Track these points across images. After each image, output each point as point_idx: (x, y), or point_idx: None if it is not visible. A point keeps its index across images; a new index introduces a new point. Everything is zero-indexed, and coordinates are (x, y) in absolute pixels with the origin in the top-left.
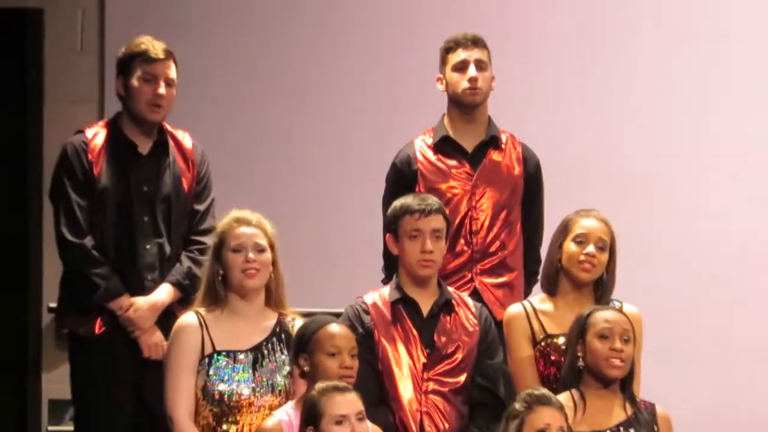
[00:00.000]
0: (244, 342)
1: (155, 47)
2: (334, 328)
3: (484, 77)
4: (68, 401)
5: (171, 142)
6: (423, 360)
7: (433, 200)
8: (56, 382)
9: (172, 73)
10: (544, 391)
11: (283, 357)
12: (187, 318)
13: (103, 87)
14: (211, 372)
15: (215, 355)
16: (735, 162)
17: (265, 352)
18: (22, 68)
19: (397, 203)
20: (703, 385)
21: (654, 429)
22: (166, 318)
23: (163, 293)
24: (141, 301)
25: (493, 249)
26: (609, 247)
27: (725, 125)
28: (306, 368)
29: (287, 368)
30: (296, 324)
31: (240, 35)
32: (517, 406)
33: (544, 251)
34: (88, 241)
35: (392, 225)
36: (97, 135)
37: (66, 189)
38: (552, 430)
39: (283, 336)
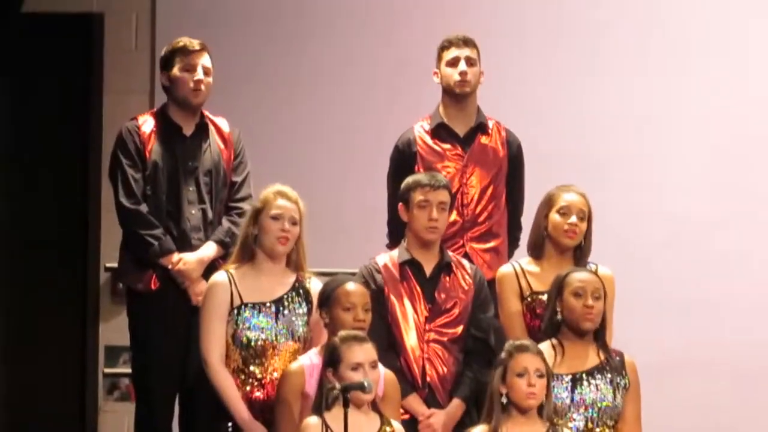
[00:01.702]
0: (268, 295)
1: (191, 42)
2: (350, 286)
3: (473, 72)
4: (122, 347)
5: (211, 126)
6: (425, 314)
7: (441, 177)
8: (112, 331)
9: (208, 62)
10: (523, 341)
11: (302, 309)
12: (219, 276)
13: (154, 81)
14: (239, 321)
15: (243, 307)
16: (699, 135)
17: (286, 303)
18: (85, 65)
19: (410, 178)
20: (666, 335)
21: (623, 373)
22: (212, 272)
23: (208, 249)
24: (189, 257)
25: (481, 219)
26: (587, 216)
27: (698, 100)
28: (326, 320)
29: (305, 318)
30: (312, 282)
31: (269, 31)
32: (502, 355)
33: (524, 220)
34: (143, 207)
35: (404, 196)
36: (146, 122)
37: (122, 165)
38: (530, 372)
39: (301, 291)
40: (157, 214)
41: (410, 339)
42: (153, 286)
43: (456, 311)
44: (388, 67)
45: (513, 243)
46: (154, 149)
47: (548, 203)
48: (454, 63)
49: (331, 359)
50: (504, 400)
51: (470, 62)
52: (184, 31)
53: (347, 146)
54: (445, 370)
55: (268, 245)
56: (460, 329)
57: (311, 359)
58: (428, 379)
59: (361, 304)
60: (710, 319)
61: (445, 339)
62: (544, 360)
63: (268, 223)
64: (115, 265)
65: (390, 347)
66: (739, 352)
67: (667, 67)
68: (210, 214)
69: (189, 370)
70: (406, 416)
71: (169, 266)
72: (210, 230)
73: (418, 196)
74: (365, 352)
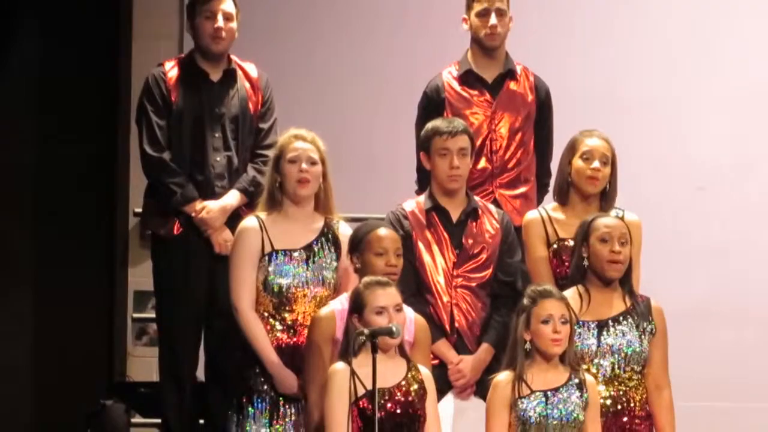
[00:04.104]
0: (297, 242)
1: None
2: (382, 231)
3: (503, 23)
4: (150, 292)
5: (239, 72)
6: (453, 260)
7: (458, 122)
8: (140, 275)
9: (230, 7)
10: (546, 286)
11: (331, 254)
12: (249, 222)
13: (182, 26)
14: (270, 268)
15: (274, 253)
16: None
17: (316, 249)
18: (114, 11)
19: (429, 125)
20: (694, 282)
21: (649, 319)
22: (235, 220)
23: (232, 198)
24: (212, 205)
25: (510, 165)
26: (611, 161)
27: (723, 49)
28: (358, 266)
29: (335, 264)
30: (341, 226)
31: None
32: (524, 301)
33: (553, 166)
34: (167, 155)
35: (425, 144)
36: (173, 68)
37: (147, 112)
38: (555, 319)
39: (330, 236)
40: (181, 161)
41: (439, 285)
42: (176, 232)
43: (483, 256)
44: (418, 11)
45: (542, 189)
46: (180, 96)
47: (571, 149)
48: (484, 14)
49: (356, 305)
50: (528, 346)
51: (500, 13)
52: None
53: (376, 92)
54: (474, 315)
55: (290, 190)
56: (487, 274)
57: (342, 304)
58: (456, 324)
59: (393, 249)
60: (738, 266)
61: (473, 284)
62: (568, 306)
63: (287, 167)
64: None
65: (418, 293)
66: None
67: (697, 8)
68: (235, 162)
69: (214, 316)
70: (436, 362)
71: (192, 214)
72: (235, 178)
73: (437, 144)
74: (389, 296)
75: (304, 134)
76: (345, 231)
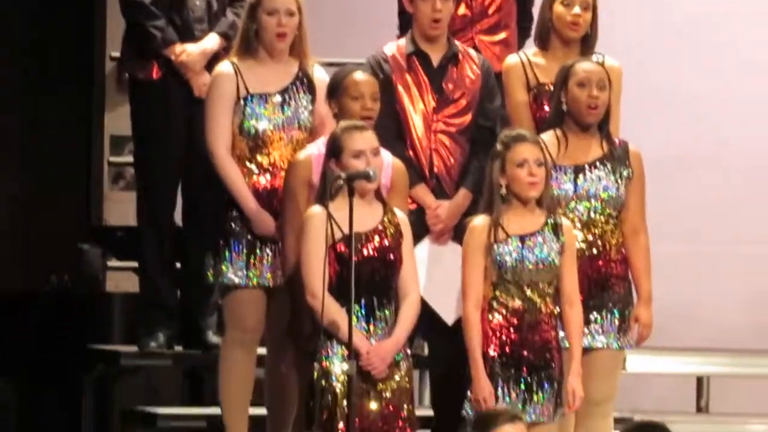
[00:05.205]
0: (273, 85)
1: None
2: (359, 75)
3: None
4: (127, 137)
5: None
6: (433, 104)
7: None
8: (117, 120)
9: None
10: (520, 130)
11: (306, 97)
12: (223, 67)
13: None
14: (246, 111)
15: (249, 97)
16: None
17: (291, 93)
18: None
19: None
20: (676, 129)
21: (626, 163)
22: (215, 64)
23: (211, 41)
24: (192, 48)
25: (491, 11)
26: (591, 6)
27: None
28: (335, 110)
29: (310, 107)
30: (315, 70)
31: None
32: (498, 146)
33: (534, 11)
34: None
35: None
36: None
37: None
38: (530, 162)
39: (304, 80)
40: (160, 4)
41: (418, 130)
42: (155, 76)
43: (463, 101)
44: None
45: (523, 33)
46: None
47: None
48: None
49: (333, 149)
50: (504, 191)
51: None
52: None
53: None
54: (453, 160)
55: (267, 41)
56: (467, 119)
57: (319, 149)
58: (435, 169)
59: (369, 93)
60: (720, 113)
61: (452, 129)
62: (542, 148)
63: (264, 19)
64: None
65: (398, 138)
66: (749, 146)
67: None
68: (215, 5)
69: (193, 161)
70: (414, 206)
71: (172, 57)
72: (214, 22)
73: None
74: (366, 139)
75: None
76: (320, 75)
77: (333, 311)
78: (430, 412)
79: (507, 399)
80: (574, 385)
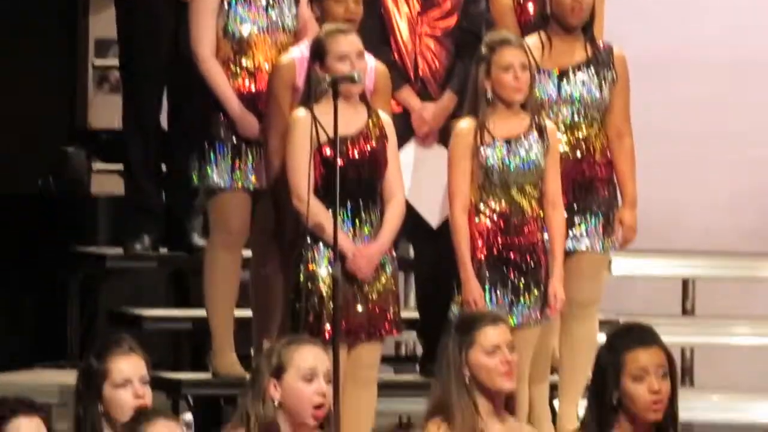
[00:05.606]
0: None
1: None
2: None
3: None
4: (112, 40)
5: None
6: (417, 8)
7: None
8: (102, 22)
9: None
10: (505, 33)
11: (290, 0)
12: None
13: None
14: (230, 14)
15: (234, 0)
16: None
17: None
18: None
19: None
20: (661, 31)
21: (611, 66)
22: None
23: None
24: None
25: None
26: None
27: None
28: (318, 14)
29: (294, 10)
30: None
31: None
32: (483, 50)
33: None
34: None
35: None
36: None
37: None
38: (515, 66)
39: None
40: None
41: (403, 33)
42: None
43: (448, 4)
44: None
45: None
46: None
47: None
48: None
49: (318, 52)
50: (489, 95)
51: None
52: None
53: None
54: (438, 63)
55: None
56: (452, 22)
57: (302, 52)
58: (420, 72)
59: None
60: (702, 16)
61: (437, 32)
62: (527, 52)
63: None
64: None
65: (383, 41)
66: (737, 49)
67: None
68: None
69: (178, 64)
70: (399, 109)
71: None
72: None
73: None
74: (351, 42)
75: None
76: None
77: (319, 214)
78: (415, 314)
79: (494, 301)
80: (556, 287)
